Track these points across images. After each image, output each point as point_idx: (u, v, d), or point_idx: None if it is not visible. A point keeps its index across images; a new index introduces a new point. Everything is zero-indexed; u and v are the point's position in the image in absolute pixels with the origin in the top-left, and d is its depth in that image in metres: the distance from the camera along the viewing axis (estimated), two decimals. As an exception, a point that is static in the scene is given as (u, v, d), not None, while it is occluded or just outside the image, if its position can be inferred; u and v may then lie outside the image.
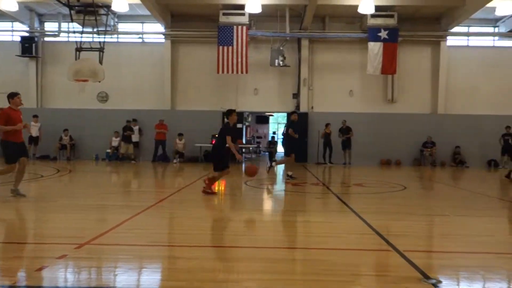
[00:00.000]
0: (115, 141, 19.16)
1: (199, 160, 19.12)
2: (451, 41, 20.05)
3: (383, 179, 13.77)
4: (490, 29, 20.28)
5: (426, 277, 3.87)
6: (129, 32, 20.44)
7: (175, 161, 18.51)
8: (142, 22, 20.45)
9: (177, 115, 19.84)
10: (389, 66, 18.61)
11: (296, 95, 20.18)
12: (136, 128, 19.12)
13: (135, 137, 19.00)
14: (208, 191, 8.94)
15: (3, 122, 7.78)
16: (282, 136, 13.55)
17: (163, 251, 4.94)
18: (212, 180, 9.11)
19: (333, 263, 4.41)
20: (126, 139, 18.71)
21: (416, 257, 4.50)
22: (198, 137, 19.11)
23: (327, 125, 18.83)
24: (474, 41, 20.41)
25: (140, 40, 20.55)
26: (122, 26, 20.38)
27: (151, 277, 4.05)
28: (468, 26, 20.12)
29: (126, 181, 13.32)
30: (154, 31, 20.32)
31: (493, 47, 20.23)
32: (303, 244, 5.49)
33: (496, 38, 20.21)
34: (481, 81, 19.92)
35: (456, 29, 19.64)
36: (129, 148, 18.73)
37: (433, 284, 3.70)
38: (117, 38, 20.21)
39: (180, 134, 18.92)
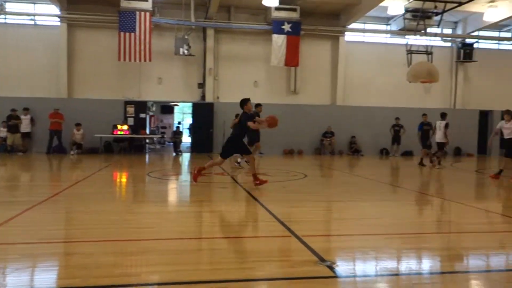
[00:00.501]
0: (2, 132, 17.62)
1: (99, 151, 18.28)
2: (349, 36, 21.18)
3: (286, 168, 14.23)
4: (383, 27, 21.73)
5: (322, 259, 4.06)
6: (19, 13, 18.79)
7: (72, 152, 17.49)
8: (34, 3, 18.93)
9: (74, 103, 18.74)
10: (292, 58, 19.20)
11: (201, 85, 20.04)
12: (27, 117, 17.71)
13: (25, 127, 17.60)
14: (258, 182, 9.17)
15: None
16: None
17: (56, 248, 4.62)
18: (252, 168, 9.47)
19: (236, 251, 4.46)
20: (12, 128, 17.27)
21: (313, 242, 4.71)
22: (98, 127, 18.25)
23: (237, 115, 18.88)
24: (369, 38, 21.76)
25: (32, 22, 19.00)
26: (10, 6, 18.70)
27: (42, 276, 3.77)
28: (364, 23, 21.40)
29: (14, 174, 12.28)
30: (48, 13, 18.89)
31: (386, 43, 21.73)
32: (207, 234, 5.48)
33: (388, 35, 21.73)
34: (375, 75, 21.35)
35: (353, 25, 20.80)
36: (16, 138, 17.32)
37: (328, 266, 3.89)
38: (5, 18, 18.52)
39: (78, 124, 17.92)
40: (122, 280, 3.57)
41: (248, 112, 9.43)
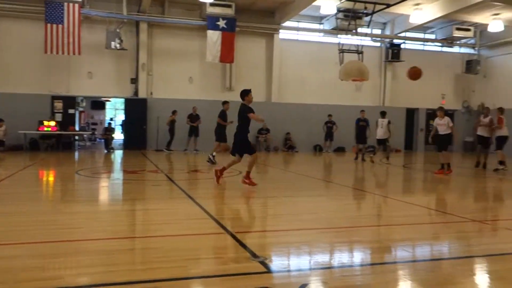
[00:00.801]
0: None
1: (24, 148, 17.25)
2: (283, 34, 21.46)
3: (221, 165, 14.13)
4: (316, 26, 22.22)
5: (255, 255, 4.06)
6: None
7: (-7, 150, 16.36)
8: None
9: (-4, 98, 17.55)
10: (227, 54, 19.15)
11: (134, 80, 19.48)
12: None
13: None
14: (247, 182, 8.80)
15: None
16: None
17: (-29, 253, 4.28)
18: (250, 167, 8.98)
19: (169, 249, 4.34)
20: None
21: (247, 238, 4.70)
22: (22, 123, 17.20)
23: (174, 112, 18.55)
24: (303, 36, 22.17)
25: None
26: None
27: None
28: (298, 21, 21.78)
29: None
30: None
31: (319, 42, 22.24)
32: (140, 233, 5.32)
33: (322, 34, 22.25)
34: (309, 73, 21.80)
35: (287, 23, 21.10)
36: None
37: (261, 262, 3.90)
38: None
39: (0, 120, 16.78)
40: (51, 283, 3.35)
41: (248, 104, 9.05)
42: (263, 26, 20.63)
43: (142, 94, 19.37)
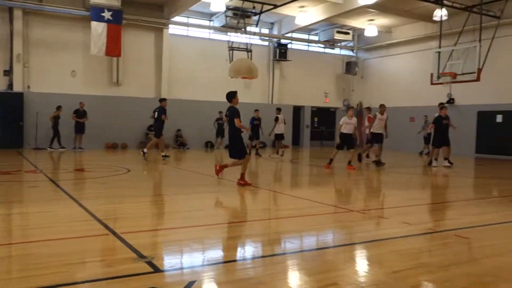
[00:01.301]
0: None
1: None
2: (173, 29, 21.10)
3: (108, 163, 13.53)
4: (206, 23, 22.20)
5: (142, 256, 3.91)
6: None
7: None
8: None
9: None
10: (113, 48, 18.29)
11: (8, 72, 17.76)
12: None
13: None
14: (242, 182, 8.70)
15: None
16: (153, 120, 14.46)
17: None
18: (244, 170, 8.84)
19: (49, 255, 4.00)
20: None
21: (133, 238, 4.51)
22: None
23: (58, 107, 17.22)
24: (194, 32, 22.01)
25: None
26: None
27: None
28: (188, 17, 21.56)
29: None
30: None
31: (209, 39, 22.26)
32: (16, 238, 4.82)
33: (212, 31, 22.29)
34: (199, 69, 21.71)
35: (177, 18, 20.79)
36: None
37: (147, 262, 3.76)
38: None
39: None
40: None
41: (235, 106, 8.88)
42: (152, 20, 20.08)
43: (17, 88, 17.75)
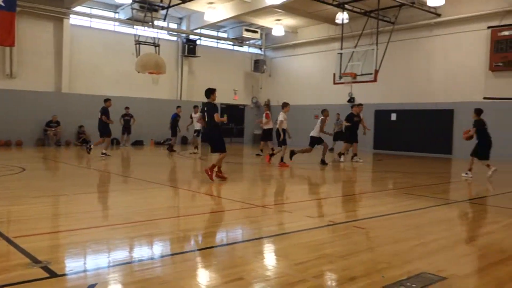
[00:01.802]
0: None
1: None
2: (74, 20, 19.96)
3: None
4: (111, 14, 21.29)
5: (36, 261, 3.64)
6: None
7: None
8: None
9: None
10: (6, 37, 16.81)
11: None
12: None
13: None
14: (221, 175, 9.17)
15: None
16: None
17: None
18: (220, 163, 9.16)
19: None
20: None
21: (27, 242, 4.19)
22: None
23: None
24: (97, 24, 20.99)
25: None
26: None
27: None
28: (91, 7, 20.52)
29: None
30: None
31: (114, 32, 21.38)
32: None
33: (117, 23, 21.43)
34: (103, 63, 20.77)
35: (79, 8, 19.71)
36: None
37: (43, 267, 3.51)
38: None
39: None
40: None
41: (213, 102, 9.07)
42: (51, 8, 18.81)
43: None
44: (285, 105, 13.11)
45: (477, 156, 10.97)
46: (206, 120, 9.22)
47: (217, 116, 8.97)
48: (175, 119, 17.55)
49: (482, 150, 10.88)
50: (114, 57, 20.93)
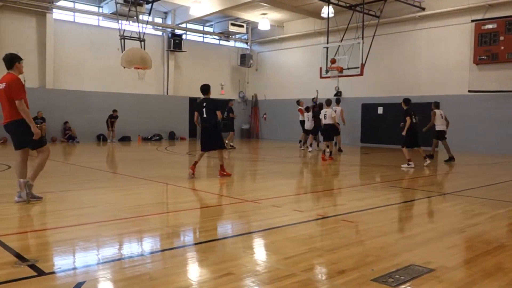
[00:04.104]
0: None
1: None
2: (58, 14, 19.67)
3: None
4: (95, 9, 21.03)
5: (23, 259, 3.60)
6: None
7: None
8: None
9: None
10: (-12, 32, 16.55)
11: None
12: None
13: None
14: (225, 173, 9.16)
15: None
16: None
17: None
18: (223, 161, 9.23)
19: None
20: None
21: (13, 240, 4.15)
22: None
23: None
24: (81, 18, 20.71)
25: None
26: None
27: None
28: (74, 2, 20.25)
29: None
30: None
31: (99, 26, 21.13)
32: None
33: (101, 18, 21.17)
34: (88, 58, 20.53)
35: (62, 3, 19.44)
36: None
37: (30, 265, 3.47)
38: None
39: None
40: None
41: (212, 98, 9.14)
42: (33, 3, 18.53)
43: None
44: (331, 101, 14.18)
45: (409, 146, 11.78)
46: (204, 116, 9.01)
47: (219, 113, 8.94)
48: (229, 114, 17.51)
49: (411, 138, 11.71)
50: (99, 52, 20.69)
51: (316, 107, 16.02)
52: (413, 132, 11.69)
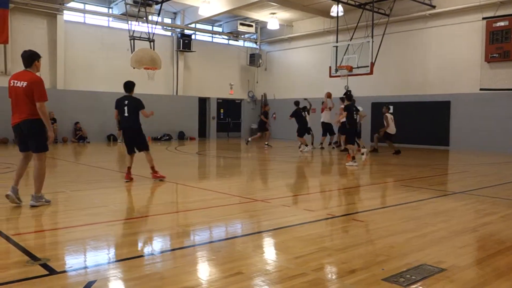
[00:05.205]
0: None
1: None
2: (68, 16, 19.83)
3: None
4: (105, 10, 21.16)
5: (35, 258, 3.63)
6: None
7: None
8: None
9: None
10: (0, 34, 16.73)
11: None
12: None
13: None
14: (158, 175, 8.59)
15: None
16: None
17: None
18: (152, 163, 8.68)
19: None
20: None
21: (26, 239, 4.20)
22: None
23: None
24: (91, 20, 20.86)
25: None
26: None
27: None
28: (84, 3, 20.39)
29: None
30: None
31: (109, 27, 21.25)
32: None
33: (111, 19, 21.30)
34: (98, 59, 20.66)
35: (72, 4, 19.58)
36: None
37: (42, 264, 3.50)
38: None
39: None
40: None
41: (136, 97, 8.57)
42: (44, 5, 18.68)
43: None
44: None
45: (350, 142, 12.11)
46: (125, 115, 8.49)
47: (144, 112, 8.48)
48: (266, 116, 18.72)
49: (350, 134, 12.06)
50: (108, 53, 20.82)
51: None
52: (355, 129, 12.17)
